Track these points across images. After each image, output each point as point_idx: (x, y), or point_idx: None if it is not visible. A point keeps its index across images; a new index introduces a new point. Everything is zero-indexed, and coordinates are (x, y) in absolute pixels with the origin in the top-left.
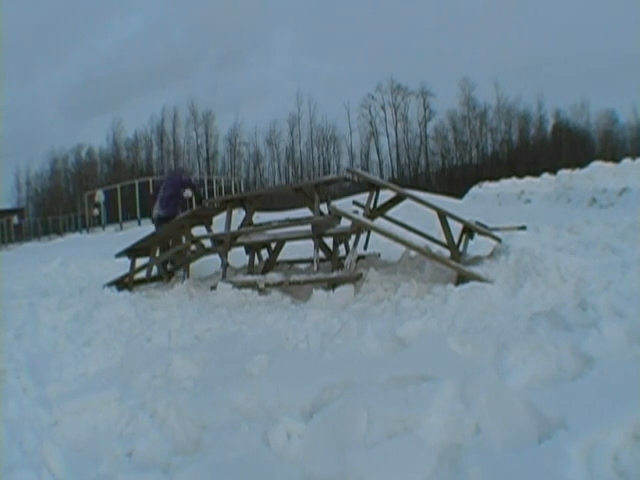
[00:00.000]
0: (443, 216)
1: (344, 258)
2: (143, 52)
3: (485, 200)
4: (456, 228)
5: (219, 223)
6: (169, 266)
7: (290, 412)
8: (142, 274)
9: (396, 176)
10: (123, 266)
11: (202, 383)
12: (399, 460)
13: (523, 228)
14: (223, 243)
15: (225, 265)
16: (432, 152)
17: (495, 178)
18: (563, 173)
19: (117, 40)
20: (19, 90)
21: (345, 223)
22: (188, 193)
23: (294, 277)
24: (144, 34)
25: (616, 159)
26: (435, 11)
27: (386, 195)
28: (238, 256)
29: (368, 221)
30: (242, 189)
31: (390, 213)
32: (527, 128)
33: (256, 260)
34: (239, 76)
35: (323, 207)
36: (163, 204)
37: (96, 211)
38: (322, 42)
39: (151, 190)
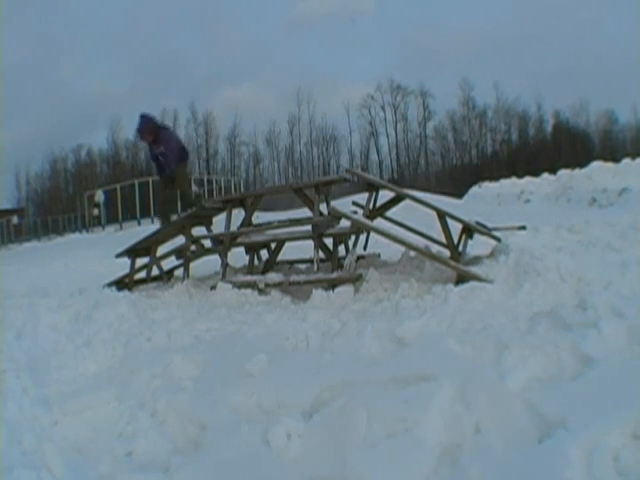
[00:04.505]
0: (442, 216)
1: (344, 258)
2: (146, 52)
3: (485, 200)
4: (456, 228)
5: (219, 223)
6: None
7: (290, 412)
8: (142, 274)
9: (396, 176)
10: (123, 266)
11: (202, 383)
12: (399, 460)
13: (523, 228)
14: (223, 243)
15: (225, 265)
16: (432, 152)
17: (495, 178)
18: (563, 173)
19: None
20: (19, 89)
21: (345, 223)
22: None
23: (294, 277)
24: (147, 34)
25: (616, 159)
26: (435, 11)
27: (385, 195)
28: (238, 256)
29: (367, 221)
30: (242, 189)
31: (389, 213)
32: (526, 128)
33: (256, 260)
34: (240, 76)
35: (323, 207)
36: None
37: (96, 211)
38: (322, 42)
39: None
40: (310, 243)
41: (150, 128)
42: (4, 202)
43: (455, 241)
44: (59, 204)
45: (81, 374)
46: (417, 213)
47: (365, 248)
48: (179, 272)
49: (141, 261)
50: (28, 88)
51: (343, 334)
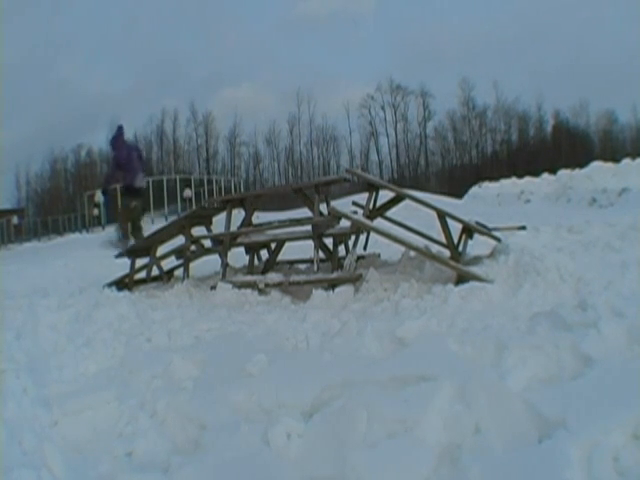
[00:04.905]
0: (442, 216)
1: (344, 258)
2: (145, 52)
3: (485, 200)
4: (456, 228)
5: (219, 223)
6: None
7: (290, 412)
8: (142, 274)
9: (396, 176)
10: (123, 266)
11: (202, 383)
12: (399, 460)
13: (523, 228)
14: (223, 243)
15: (225, 265)
16: (432, 152)
17: (495, 178)
18: (563, 173)
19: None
20: (19, 89)
21: (345, 223)
22: (188, 193)
23: (294, 277)
24: (146, 34)
25: (616, 159)
26: (435, 11)
27: (385, 195)
28: (238, 256)
29: (367, 221)
30: (242, 189)
31: (390, 213)
32: (526, 128)
33: (256, 260)
34: (239, 76)
35: (323, 207)
36: None
37: (96, 211)
38: (323, 42)
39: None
40: (310, 243)
41: (118, 141)
42: (4, 202)
43: (455, 241)
44: (59, 204)
45: (81, 374)
46: (417, 213)
47: (365, 248)
48: (179, 272)
49: (141, 261)
50: (28, 88)
51: (343, 334)
